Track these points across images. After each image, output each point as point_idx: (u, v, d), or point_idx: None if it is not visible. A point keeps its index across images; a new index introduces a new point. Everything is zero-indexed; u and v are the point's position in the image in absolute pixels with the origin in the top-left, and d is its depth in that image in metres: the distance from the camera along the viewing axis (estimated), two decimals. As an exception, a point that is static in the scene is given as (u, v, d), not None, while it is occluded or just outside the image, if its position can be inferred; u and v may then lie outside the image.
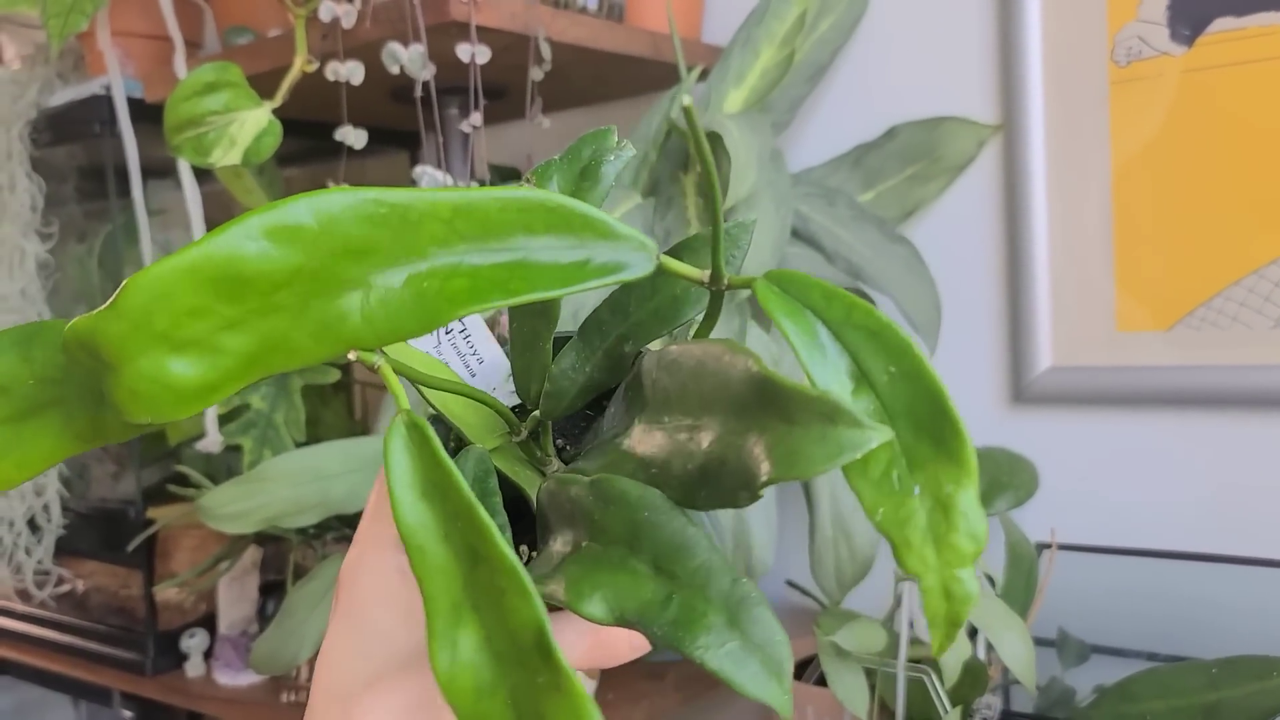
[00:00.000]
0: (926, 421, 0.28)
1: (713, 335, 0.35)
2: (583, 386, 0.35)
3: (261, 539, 1.04)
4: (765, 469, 0.26)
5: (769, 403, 0.27)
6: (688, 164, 0.89)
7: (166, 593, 1.07)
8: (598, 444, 0.35)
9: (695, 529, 0.28)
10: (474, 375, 0.37)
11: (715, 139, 0.82)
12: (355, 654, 0.34)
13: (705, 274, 0.32)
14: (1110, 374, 0.88)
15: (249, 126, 0.79)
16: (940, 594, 0.27)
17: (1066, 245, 0.90)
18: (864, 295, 0.89)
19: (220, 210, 1.18)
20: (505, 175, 1.09)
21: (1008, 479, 0.88)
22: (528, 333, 0.36)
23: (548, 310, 0.36)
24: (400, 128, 1.19)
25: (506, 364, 0.38)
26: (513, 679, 0.24)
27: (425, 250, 0.27)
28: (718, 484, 0.28)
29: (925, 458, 0.28)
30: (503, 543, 0.24)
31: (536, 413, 0.36)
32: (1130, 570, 0.85)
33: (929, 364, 0.28)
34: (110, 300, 0.25)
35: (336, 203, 0.26)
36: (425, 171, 0.82)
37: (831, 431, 0.25)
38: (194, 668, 1.05)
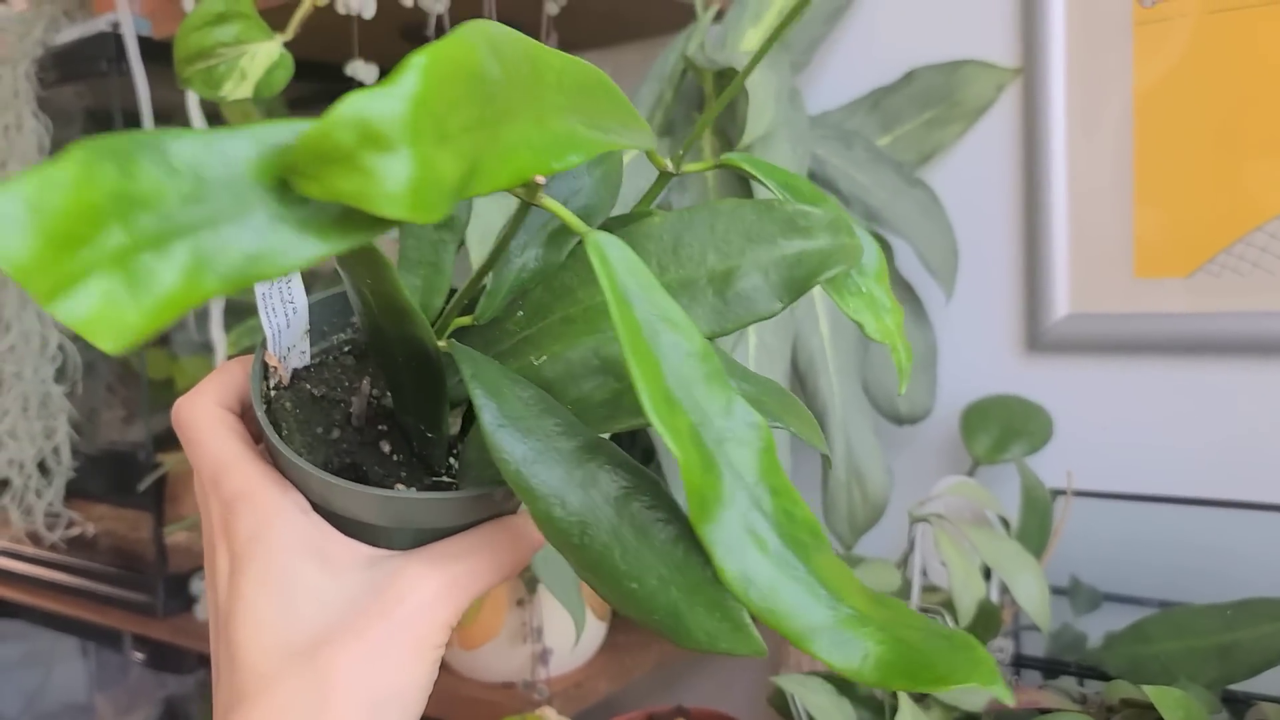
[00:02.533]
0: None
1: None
2: (513, 283, 0.37)
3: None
4: (803, 276, 0.33)
5: (794, 228, 0.33)
6: (703, 103, 0.88)
7: (176, 536, 1.07)
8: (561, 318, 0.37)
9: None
10: (289, 325, 0.37)
11: (733, 76, 0.81)
12: (288, 611, 0.33)
13: (668, 162, 0.37)
14: (1128, 321, 0.87)
15: (260, 59, 0.78)
16: (901, 350, 0.38)
17: (1086, 191, 0.89)
18: (881, 239, 0.88)
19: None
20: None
21: (1022, 426, 0.88)
22: (429, 248, 0.38)
23: (454, 221, 0.38)
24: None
25: (308, 317, 0.38)
26: (727, 451, 0.27)
27: (548, 96, 0.28)
28: (751, 302, 0.34)
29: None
30: (701, 336, 0.28)
31: (457, 319, 0.37)
32: (1144, 517, 0.85)
33: (832, 200, 0.37)
34: (389, 77, 0.23)
35: (504, 34, 0.27)
36: (438, 107, 0.81)
37: (847, 241, 0.34)
38: (204, 610, 1.06)
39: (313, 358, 0.40)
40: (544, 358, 0.35)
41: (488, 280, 0.37)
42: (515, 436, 0.31)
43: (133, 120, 1.02)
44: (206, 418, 0.36)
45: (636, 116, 0.33)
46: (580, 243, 0.37)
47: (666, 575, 0.29)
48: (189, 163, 0.22)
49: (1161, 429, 0.87)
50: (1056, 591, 0.84)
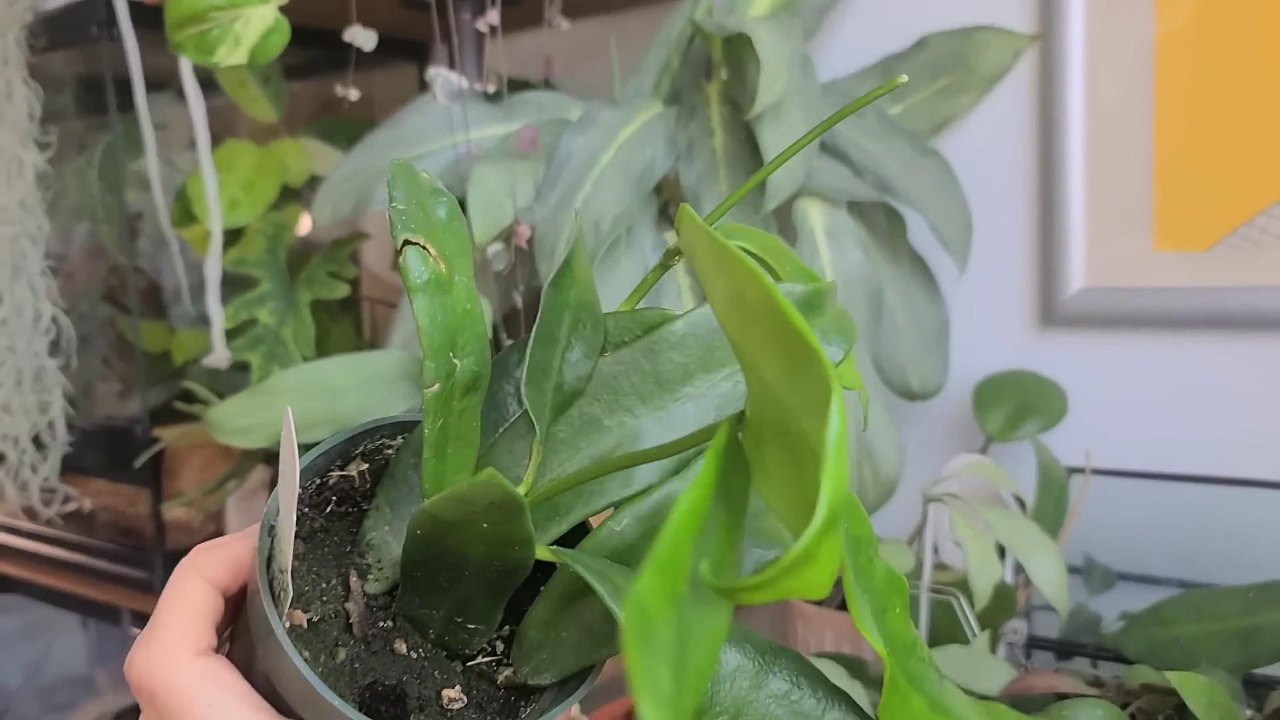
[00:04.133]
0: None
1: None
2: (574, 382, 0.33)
3: (270, 457, 1.02)
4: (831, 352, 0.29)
5: (808, 306, 0.30)
6: (711, 71, 0.86)
7: (174, 512, 1.06)
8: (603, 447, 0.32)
9: None
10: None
11: (742, 42, 0.78)
12: None
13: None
14: (1145, 295, 0.85)
15: (255, 24, 0.75)
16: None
17: (1103, 162, 0.86)
18: (893, 211, 0.86)
19: (224, 126, 1.15)
20: (519, 87, 1.05)
21: (1036, 403, 0.86)
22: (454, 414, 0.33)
23: (479, 381, 0.33)
24: (409, 37, 1.15)
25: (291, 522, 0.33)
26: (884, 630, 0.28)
27: None
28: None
29: None
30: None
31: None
32: (1161, 495, 0.83)
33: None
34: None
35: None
36: (439, 73, 0.79)
37: (843, 311, 0.31)
38: (203, 587, 1.04)
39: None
40: (624, 519, 0.31)
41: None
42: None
43: (124, 87, 0.99)
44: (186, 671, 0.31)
45: None
46: (601, 356, 0.33)
47: None
48: None
49: (1179, 405, 0.85)
50: (1070, 571, 0.83)
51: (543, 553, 0.30)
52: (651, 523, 0.30)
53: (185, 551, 1.12)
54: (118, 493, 1.10)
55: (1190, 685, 0.59)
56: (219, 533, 1.06)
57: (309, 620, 0.33)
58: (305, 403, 0.77)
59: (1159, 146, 0.84)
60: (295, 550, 0.33)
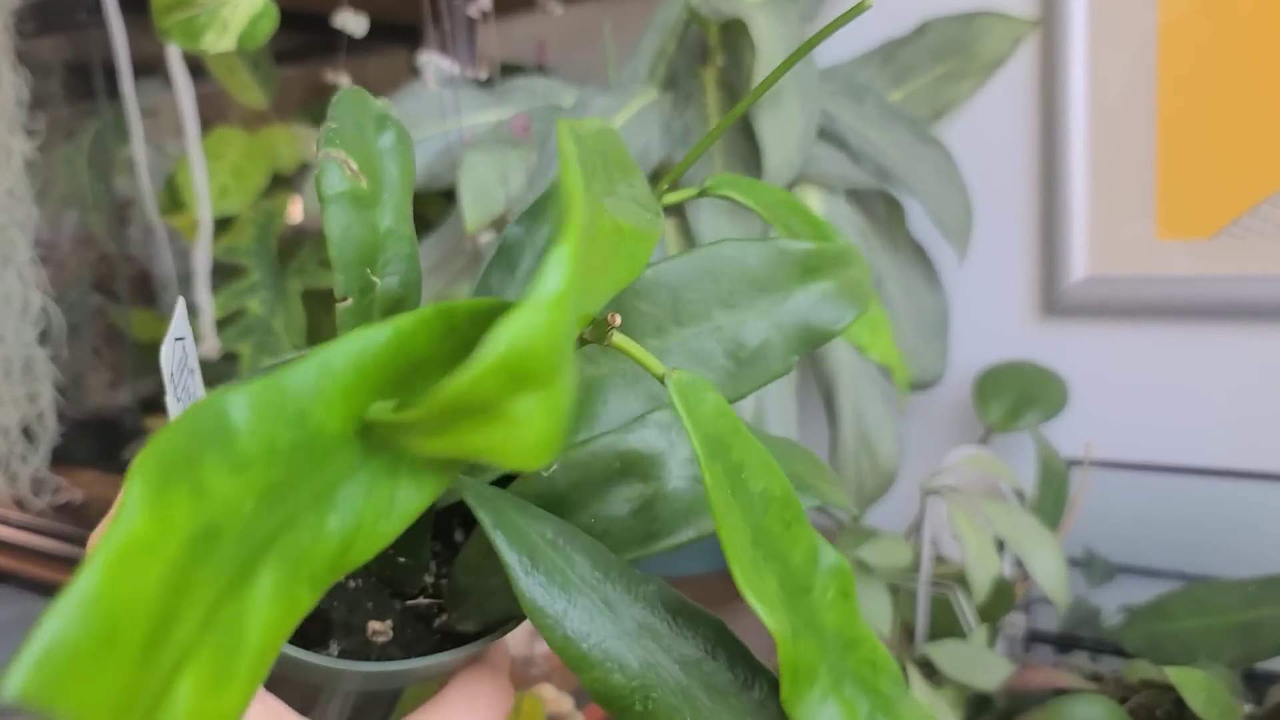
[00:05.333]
0: None
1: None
2: None
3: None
4: (826, 320, 0.30)
5: (806, 270, 0.30)
6: (707, 56, 0.84)
7: (166, 503, 1.05)
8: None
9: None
10: (179, 401, 0.33)
11: (738, 28, 0.77)
12: None
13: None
14: (1148, 284, 0.84)
15: (243, 9, 0.74)
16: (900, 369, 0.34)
17: (1106, 149, 0.85)
18: (892, 199, 0.85)
19: (215, 113, 1.13)
20: (512, 72, 1.04)
21: (1036, 393, 0.85)
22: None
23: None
24: (400, 20, 1.13)
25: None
26: (804, 608, 0.25)
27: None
28: (763, 361, 0.30)
29: None
30: (784, 476, 0.25)
31: None
32: (1163, 487, 0.82)
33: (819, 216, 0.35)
34: (533, 289, 0.17)
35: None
36: (431, 59, 0.77)
37: (858, 273, 0.30)
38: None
39: None
40: (554, 466, 0.30)
41: None
42: (553, 592, 0.26)
43: (113, 73, 0.98)
44: None
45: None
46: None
47: None
48: (258, 444, 0.17)
49: (1182, 396, 0.84)
50: (1071, 563, 0.82)
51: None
52: (585, 472, 0.30)
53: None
54: (109, 483, 1.09)
55: (1189, 681, 0.58)
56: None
57: None
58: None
59: (1162, 134, 0.83)
60: None
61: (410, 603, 0.32)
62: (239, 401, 0.17)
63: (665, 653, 0.26)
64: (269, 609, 0.17)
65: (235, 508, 0.17)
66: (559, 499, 0.30)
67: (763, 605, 0.23)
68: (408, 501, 0.19)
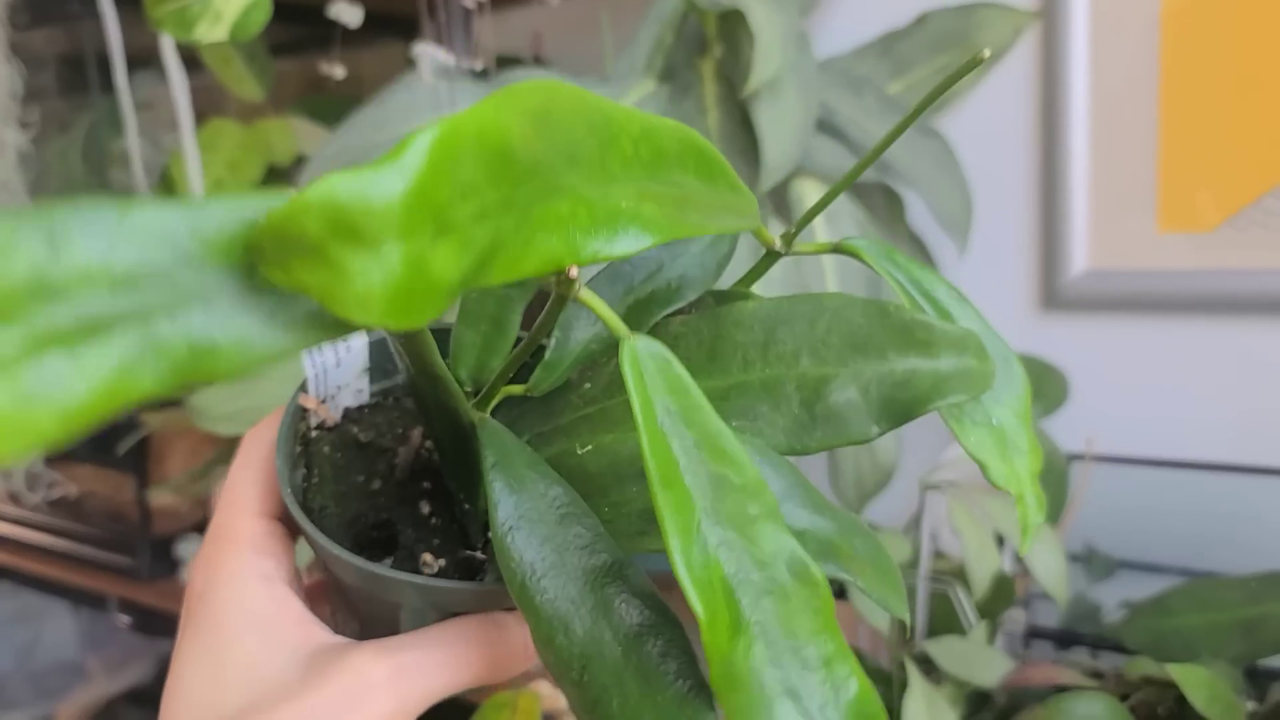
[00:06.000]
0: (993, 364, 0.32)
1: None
2: (578, 356, 0.33)
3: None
4: (910, 398, 0.29)
5: (911, 340, 0.29)
6: (705, 47, 0.84)
7: (161, 498, 1.04)
8: (586, 413, 0.33)
9: (796, 472, 0.29)
10: (338, 364, 0.35)
11: (736, 18, 0.76)
12: (215, 685, 0.29)
13: (777, 239, 0.33)
14: (1149, 278, 0.84)
15: (235, 0, 0.73)
16: (1029, 501, 0.31)
17: (1107, 142, 0.84)
18: (892, 191, 0.84)
19: (210, 105, 1.13)
20: (508, 63, 1.03)
21: (1037, 387, 0.84)
22: (494, 302, 0.34)
23: (526, 279, 0.34)
24: (396, 13, 1.12)
25: (365, 355, 0.36)
26: (762, 610, 0.23)
27: (615, 169, 0.25)
28: (841, 423, 0.29)
29: (997, 393, 0.32)
30: (753, 467, 0.24)
31: (497, 388, 0.33)
32: (1164, 482, 0.82)
33: (982, 316, 0.33)
34: (388, 155, 0.19)
35: (567, 97, 0.23)
36: (426, 50, 0.77)
37: (975, 365, 0.29)
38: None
39: (371, 397, 0.37)
40: (589, 447, 0.31)
41: (550, 342, 0.32)
42: (529, 540, 0.27)
43: (106, 65, 0.97)
44: (257, 449, 0.34)
45: (738, 187, 0.29)
46: (670, 317, 0.33)
47: None
48: (138, 238, 0.19)
49: (1183, 391, 0.83)
50: (1071, 558, 0.81)
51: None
52: (614, 460, 0.30)
53: (171, 538, 1.10)
54: (103, 478, 1.08)
55: (1191, 678, 0.58)
56: (205, 519, 1.05)
57: (359, 439, 0.35)
58: (289, 387, 0.76)
59: (1164, 126, 0.82)
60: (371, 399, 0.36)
61: (468, 553, 0.33)
62: (140, 208, 0.19)
63: (611, 631, 0.26)
64: (89, 378, 0.18)
65: (87, 278, 0.18)
66: (586, 478, 0.30)
67: (696, 588, 0.23)
68: (277, 340, 0.20)
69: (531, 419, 0.33)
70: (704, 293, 0.34)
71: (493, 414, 0.32)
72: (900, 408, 0.29)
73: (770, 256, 0.34)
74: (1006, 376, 0.32)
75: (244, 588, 0.31)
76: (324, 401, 0.35)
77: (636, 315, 0.33)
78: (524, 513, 0.27)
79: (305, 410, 0.35)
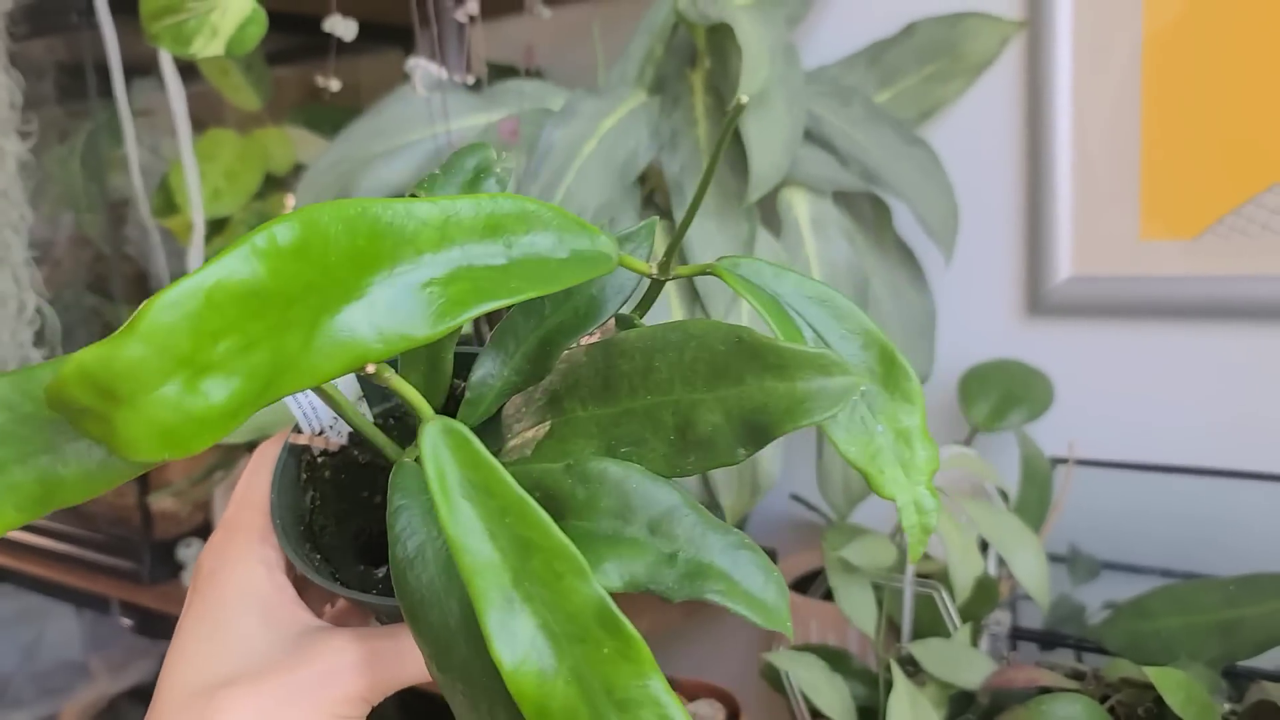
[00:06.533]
0: (879, 371, 0.33)
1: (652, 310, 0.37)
2: (499, 391, 0.36)
3: (254, 449, 1.02)
4: (766, 423, 0.29)
5: (764, 364, 0.29)
6: (695, 59, 0.85)
7: (162, 502, 1.06)
8: (515, 438, 0.35)
9: (680, 492, 0.30)
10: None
11: (725, 31, 0.78)
12: (212, 653, 0.33)
13: (653, 265, 0.35)
14: (1132, 284, 0.85)
15: (231, 14, 0.75)
16: (913, 509, 0.33)
17: (1090, 150, 0.86)
18: (879, 200, 0.86)
19: (208, 112, 1.14)
20: (502, 72, 1.04)
21: (1022, 392, 0.86)
22: (426, 349, 0.37)
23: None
24: (393, 22, 1.13)
25: (356, 386, 0.39)
26: (574, 657, 0.25)
27: (421, 257, 0.27)
28: (711, 449, 0.30)
29: (883, 401, 0.33)
30: (556, 529, 0.25)
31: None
32: (1146, 486, 0.83)
33: (870, 320, 0.34)
34: (125, 325, 0.23)
35: (338, 218, 0.26)
36: (419, 64, 0.78)
37: (829, 382, 0.29)
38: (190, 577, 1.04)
39: (375, 420, 0.39)
40: (574, 464, 0.33)
41: (472, 382, 0.36)
42: (420, 576, 0.29)
43: (105, 74, 0.99)
44: (267, 459, 0.38)
45: (587, 229, 0.30)
46: (577, 346, 0.35)
47: None
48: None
49: (1165, 395, 0.85)
50: (1055, 559, 0.83)
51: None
52: (596, 492, 0.32)
53: (173, 542, 1.12)
54: (105, 483, 1.10)
55: (1168, 681, 0.59)
56: (207, 523, 1.06)
57: (359, 460, 0.39)
58: (289, 397, 0.77)
59: (1147, 134, 0.84)
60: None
61: None
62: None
63: (481, 659, 0.28)
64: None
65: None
66: (565, 496, 0.32)
67: (505, 642, 0.24)
68: (108, 468, 0.27)
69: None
70: (612, 315, 0.36)
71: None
72: (759, 430, 0.30)
73: (654, 287, 0.36)
74: (892, 385, 0.33)
75: (248, 571, 0.35)
76: (321, 433, 0.38)
77: (546, 347, 0.35)
78: (419, 550, 0.29)
79: (304, 446, 0.38)
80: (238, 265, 0.24)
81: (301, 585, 0.39)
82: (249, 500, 0.37)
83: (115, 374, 0.22)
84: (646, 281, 0.36)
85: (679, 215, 0.78)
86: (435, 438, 0.26)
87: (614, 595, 0.40)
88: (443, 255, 0.27)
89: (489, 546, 0.25)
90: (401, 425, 0.40)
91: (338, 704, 0.33)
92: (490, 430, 0.36)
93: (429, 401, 0.36)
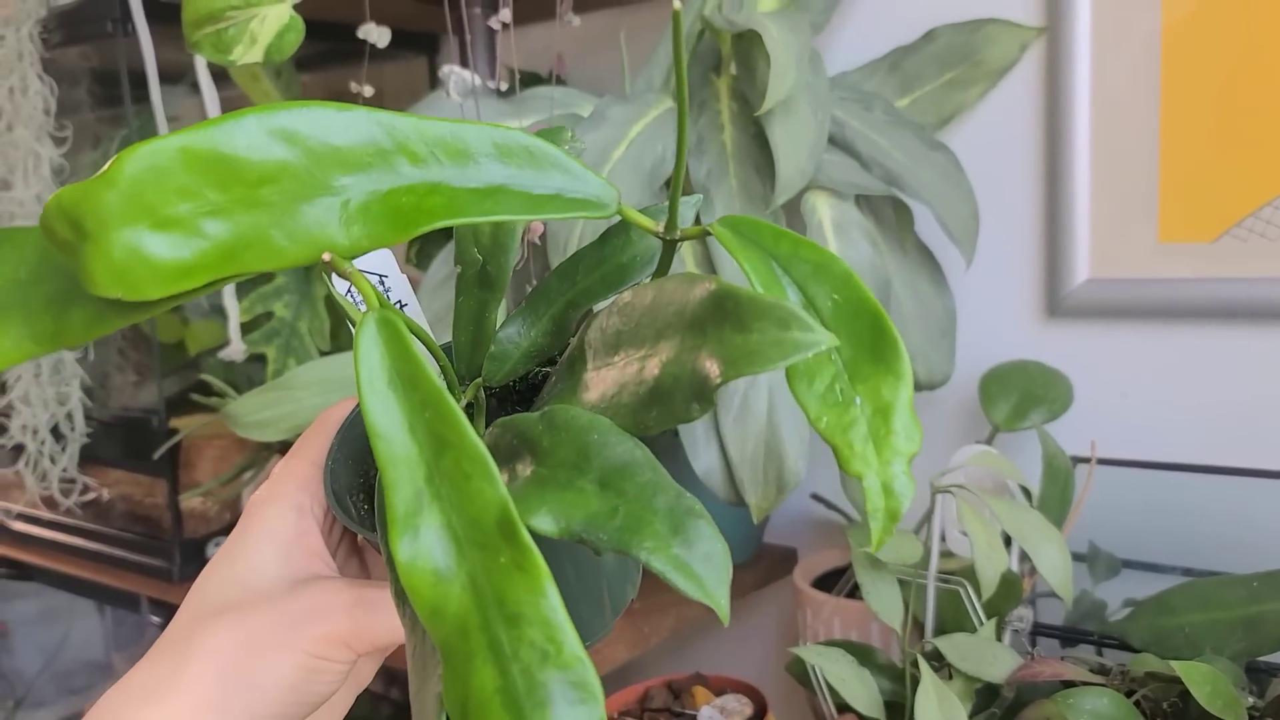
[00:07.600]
0: (867, 340, 0.31)
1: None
2: (525, 351, 0.37)
3: (285, 449, 1.04)
4: (716, 373, 0.28)
5: (726, 315, 0.28)
6: (720, 66, 0.86)
7: (191, 501, 1.07)
8: (542, 400, 0.37)
9: (642, 450, 0.29)
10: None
11: (751, 38, 0.79)
12: (224, 583, 0.35)
13: (660, 224, 0.34)
14: (1150, 286, 0.86)
15: (270, 22, 0.76)
16: (880, 491, 0.30)
17: (1109, 154, 0.87)
18: (900, 203, 0.87)
19: (235, 117, 1.15)
20: (527, 79, 1.06)
21: (1041, 392, 0.87)
22: (474, 305, 0.38)
23: (494, 282, 0.39)
24: (420, 29, 1.15)
25: (422, 315, 0.41)
26: (472, 562, 0.24)
27: (407, 169, 0.29)
28: (669, 401, 0.29)
29: (866, 372, 0.31)
30: (470, 429, 0.25)
31: (479, 379, 0.38)
32: (1166, 485, 0.84)
33: (867, 289, 0.32)
34: (102, 170, 0.25)
35: (333, 117, 0.28)
36: (453, 70, 0.79)
37: (785, 334, 0.27)
38: (221, 575, 1.06)
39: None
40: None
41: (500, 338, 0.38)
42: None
43: (138, 80, 1.00)
44: (326, 421, 0.40)
45: (570, 169, 0.31)
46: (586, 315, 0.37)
47: None
48: None
49: (1184, 396, 0.86)
50: (1075, 558, 0.84)
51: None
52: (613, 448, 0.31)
53: (203, 541, 1.13)
54: (136, 482, 1.12)
55: (1194, 674, 0.60)
56: (234, 521, 1.08)
57: None
58: (323, 397, 0.79)
59: (1165, 138, 0.85)
60: None
61: None
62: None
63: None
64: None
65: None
66: (534, 441, 0.31)
67: (402, 531, 0.24)
68: (92, 319, 0.29)
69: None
70: (638, 282, 0.37)
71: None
72: (700, 388, 0.28)
73: (668, 248, 0.36)
74: (878, 357, 0.31)
75: (279, 514, 0.37)
76: None
77: (570, 310, 0.37)
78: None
79: None
80: (219, 135, 0.26)
81: (351, 547, 0.42)
82: (300, 451, 0.39)
83: (84, 211, 0.25)
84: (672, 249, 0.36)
85: (705, 218, 0.79)
86: (371, 327, 0.27)
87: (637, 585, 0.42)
88: (423, 170, 0.29)
89: (407, 438, 0.26)
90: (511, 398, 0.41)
91: (318, 643, 0.33)
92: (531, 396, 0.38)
93: (473, 359, 0.39)
